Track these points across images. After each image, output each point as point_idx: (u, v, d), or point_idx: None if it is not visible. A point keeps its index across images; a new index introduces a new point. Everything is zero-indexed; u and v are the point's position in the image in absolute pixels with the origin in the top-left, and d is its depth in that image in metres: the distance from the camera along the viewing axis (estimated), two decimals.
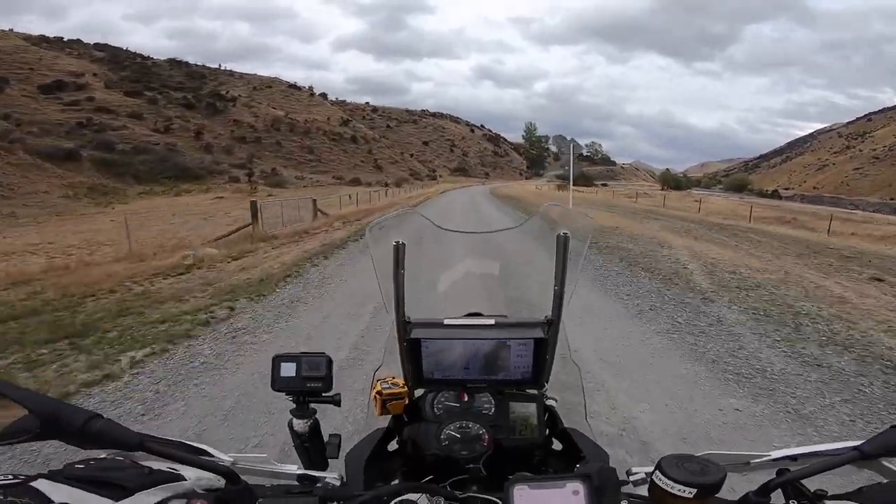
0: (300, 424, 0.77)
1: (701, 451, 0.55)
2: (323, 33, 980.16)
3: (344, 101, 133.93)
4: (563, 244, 0.80)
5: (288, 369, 0.76)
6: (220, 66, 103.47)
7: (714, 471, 0.50)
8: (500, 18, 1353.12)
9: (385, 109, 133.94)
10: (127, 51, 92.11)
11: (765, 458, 0.61)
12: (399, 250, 0.81)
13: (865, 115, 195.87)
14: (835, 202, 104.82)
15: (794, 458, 0.60)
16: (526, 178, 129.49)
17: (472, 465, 0.69)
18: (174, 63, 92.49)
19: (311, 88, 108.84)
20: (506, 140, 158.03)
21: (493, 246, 0.98)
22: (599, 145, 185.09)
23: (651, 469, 0.54)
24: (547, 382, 0.83)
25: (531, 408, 0.82)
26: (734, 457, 0.61)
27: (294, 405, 0.77)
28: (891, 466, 0.56)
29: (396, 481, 0.73)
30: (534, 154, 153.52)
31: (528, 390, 0.84)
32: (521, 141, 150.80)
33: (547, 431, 0.82)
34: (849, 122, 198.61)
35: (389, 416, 0.83)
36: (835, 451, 0.56)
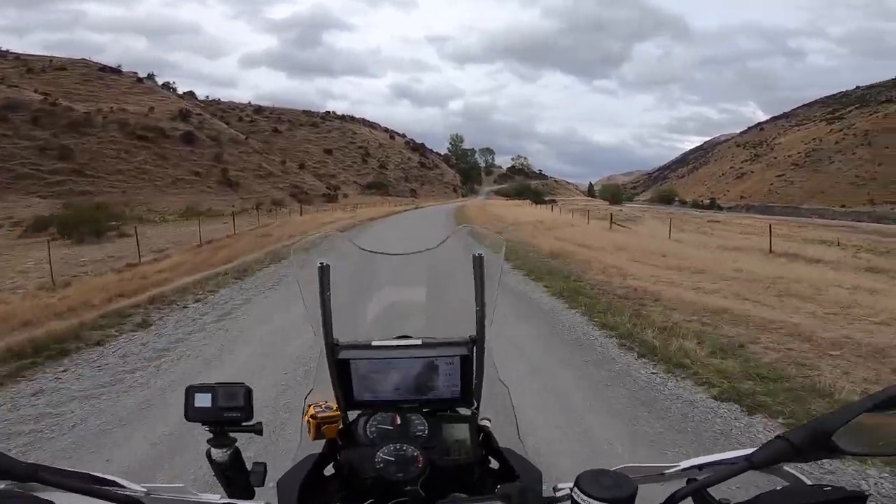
0: (219, 454, 0.74)
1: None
2: (230, 50, 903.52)
3: (217, 100, 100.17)
4: (478, 264, 0.81)
5: (203, 399, 0.73)
6: None
7: (626, 485, 0.53)
8: (417, 37, 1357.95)
9: (275, 110, 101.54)
10: None
11: (676, 469, 0.63)
12: (324, 273, 0.80)
13: (757, 125, 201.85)
14: (791, 212, 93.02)
15: (700, 467, 0.62)
16: (463, 196, 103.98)
17: (409, 488, 0.70)
18: None
19: (151, 76, 75.11)
20: (433, 151, 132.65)
21: (420, 267, 0.97)
22: (525, 159, 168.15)
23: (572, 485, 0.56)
24: (478, 401, 0.84)
25: (464, 428, 0.83)
26: (648, 469, 0.63)
27: (211, 435, 0.75)
28: (790, 470, 0.58)
29: None
30: (466, 167, 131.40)
31: (460, 410, 0.85)
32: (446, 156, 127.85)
33: (484, 451, 0.83)
34: (742, 132, 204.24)
35: (323, 442, 0.83)
36: (734, 459, 0.59)
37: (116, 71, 66.66)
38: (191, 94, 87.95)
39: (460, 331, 0.84)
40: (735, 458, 0.60)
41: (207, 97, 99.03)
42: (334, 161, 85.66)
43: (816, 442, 0.53)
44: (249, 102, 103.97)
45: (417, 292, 0.97)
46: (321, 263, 0.81)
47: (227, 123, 68.61)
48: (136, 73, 69.54)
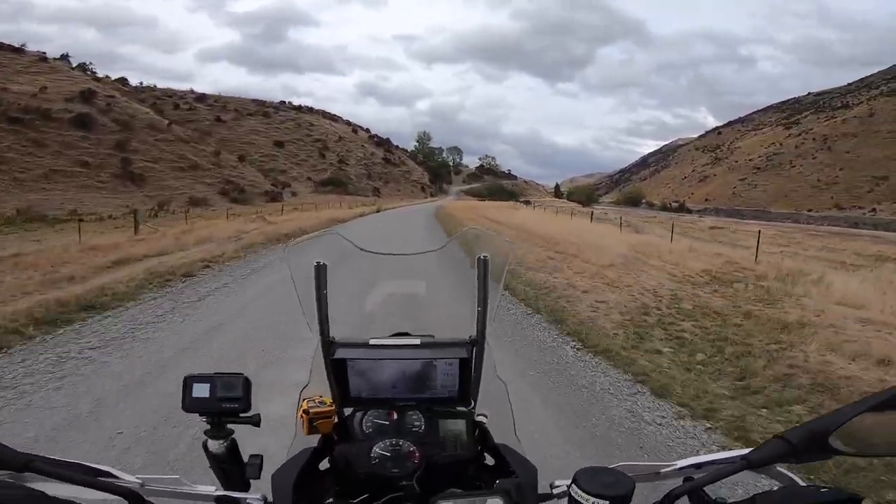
0: (216, 445, 0.74)
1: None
2: (189, 44, 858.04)
3: (152, 87, 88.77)
4: (482, 266, 0.81)
5: (201, 390, 0.73)
6: None
7: (624, 482, 0.53)
8: (385, 35, 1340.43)
9: (219, 98, 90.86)
10: None
11: (672, 468, 0.63)
12: (320, 271, 0.80)
13: (714, 129, 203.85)
14: (761, 216, 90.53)
15: (698, 465, 0.62)
16: (432, 195, 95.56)
17: (405, 483, 0.70)
18: None
19: (65, 56, 63.72)
20: (399, 147, 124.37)
21: (419, 267, 0.96)
22: (493, 158, 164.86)
23: (569, 482, 0.56)
24: (475, 400, 0.84)
25: (460, 424, 0.83)
26: (645, 467, 0.63)
27: (208, 426, 0.74)
28: (784, 471, 0.58)
29: (331, 500, 0.73)
30: (436, 165, 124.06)
31: (457, 408, 0.84)
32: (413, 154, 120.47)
33: (479, 447, 0.83)
34: (700, 136, 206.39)
35: (318, 436, 0.82)
36: (731, 459, 0.59)
37: (17, 49, 55.43)
38: (121, 80, 76.94)
39: (459, 331, 0.83)
40: (732, 457, 0.60)
41: (141, 83, 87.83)
42: (286, 155, 76.43)
43: (814, 442, 0.53)
44: (191, 89, 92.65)
45: (416, 288, 0.96)
46: (318, 262, 0.80)
47: (160, 111, 58.79)
48: (43, 52, 58.50)
